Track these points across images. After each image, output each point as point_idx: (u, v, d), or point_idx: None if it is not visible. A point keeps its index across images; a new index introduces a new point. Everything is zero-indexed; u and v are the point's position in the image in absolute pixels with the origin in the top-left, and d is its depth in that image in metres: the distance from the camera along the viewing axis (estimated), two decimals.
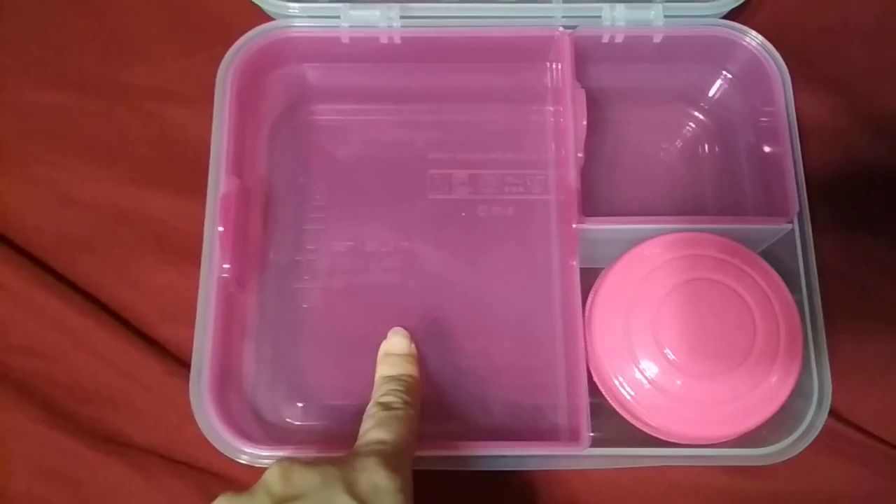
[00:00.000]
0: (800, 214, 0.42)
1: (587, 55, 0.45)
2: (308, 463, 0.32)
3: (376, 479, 0.32)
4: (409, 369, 0.39)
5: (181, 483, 0.41)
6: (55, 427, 0.42)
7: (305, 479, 0.31)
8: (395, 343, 0.40)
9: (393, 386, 0.37)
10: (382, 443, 0.34)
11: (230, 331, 0.40)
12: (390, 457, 0.33)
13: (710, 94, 0.48)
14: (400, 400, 0.37)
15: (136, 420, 0.42)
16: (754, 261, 0.39)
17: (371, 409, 0.36)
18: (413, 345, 0.40)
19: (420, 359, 0.40)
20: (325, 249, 0.44)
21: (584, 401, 0.38)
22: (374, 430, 0.35)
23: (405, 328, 0.40)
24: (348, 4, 0.44)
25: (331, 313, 0.43)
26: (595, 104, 0.43)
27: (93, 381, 0.43)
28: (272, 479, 0.31)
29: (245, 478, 0.40)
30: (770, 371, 0.37)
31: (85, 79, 0.48)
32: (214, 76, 0.43)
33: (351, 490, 0.31)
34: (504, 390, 0.42)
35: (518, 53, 0.46)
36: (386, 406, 0.36)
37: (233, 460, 0.38)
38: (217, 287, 0.40)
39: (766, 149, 0.45)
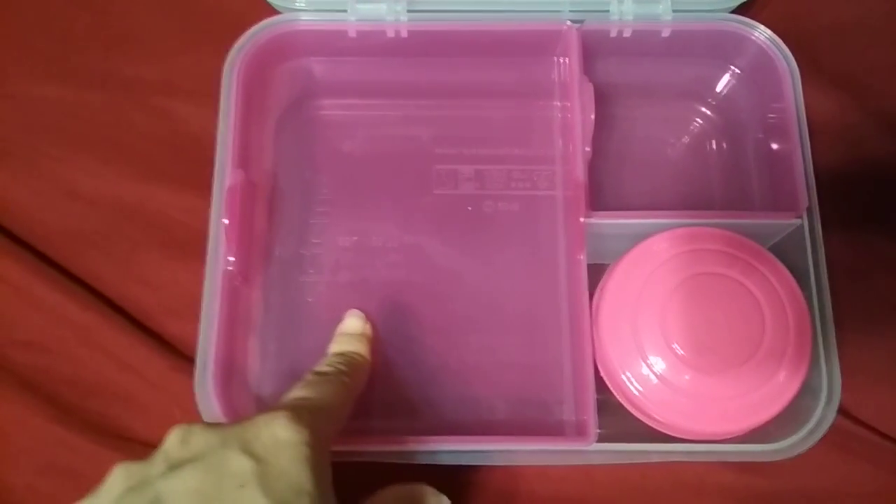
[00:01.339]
0: (809, 210, 0.41)
1: (595, 49, 0.45)
2: (211, 424, 0.30)
3: (277, 431, 0.29)
4: (358, 348, 0.38)
5: None
6: (59, 421, 0.41)
7: (204, 440, 0.29)
8: (350, 323, 0.40)
9: (335, 359, 0.37)
10: (300, 399, 0.33)
11: (235, 325, 0.40)
12: (303, 412, 0.30)
13: (718, 89, 0.48)
14: (335, 370, 0.36)
15: (140, 415, 0.42)
16: (763, 256, 0.39)
17: (304, 374, 0.35)
18: (369, 326, 0.40)
19: (377, 343, 0.40)
20: (330, 244, 0.44)
21: (590, 396, 0.38)
22: (296, 390, 0.34)
23: (411, 323, 0.40)
24: None
25: (336, 308, 0.43)
26: (602, 99, 0.43)
27: (97, 375, 0.43)
28: (171, 442, 0.29)
29: None
30: (779, 367, 0.37)
31: (90, 73, 0.48)
32: (220, 71, 0.43)
33: (247, 448, 0.28)
34: (510, 385, 0.42)
35: (525, 48, 0.46)
36: (319, 373, 0.35)
37: None
38: (222, 280, 0.39)
39: (775, 145, 0.44)
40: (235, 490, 0.27)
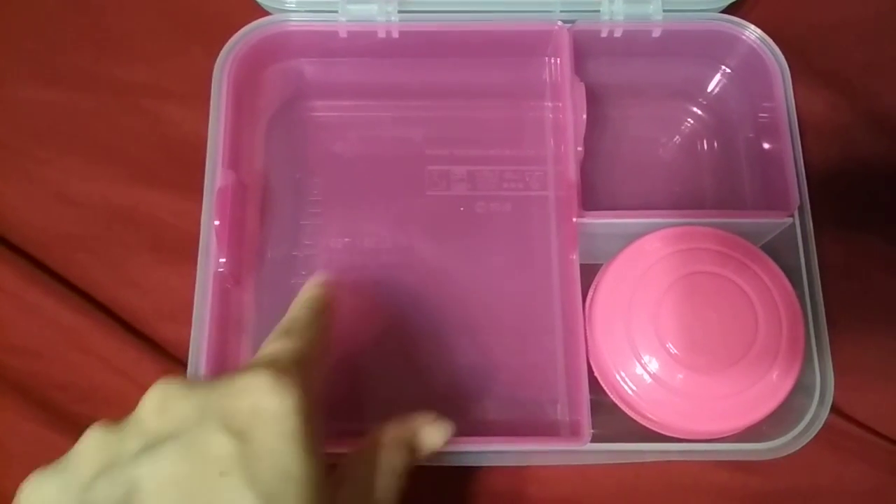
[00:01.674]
0: (800, 208, 0.42)
1: (586, 50, 0.45)
2: (192, 385, 0.27)
3: (261, 399, 0.26)
4: (321, 292, 0.35)
5: None
6: (51, 426, 0.41)
7: (182, 409, 0.26)
8: (315, 280, 0.37)
9: (304, 304, 0.34)
10: (280, 351, 0.29)
11: (226, 327, 0.40)
12: (288, 367, 0.28)
13: (709, 89, 0.48)
14: (309, 311, 0.33)
15: None
16: (755, 254, 0.39)
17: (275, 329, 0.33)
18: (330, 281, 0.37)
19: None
20: (322, 245, 0.44)
21: (584, 396, 0.38)
22: (273, 340, 0.31)
23: (404, 324, 0.40)
24: None
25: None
26: (593, 99, 0.43)
27: (89, 379, 0.42)
28: (149, 408, 0.26)
29: None
30: (772, 366, 0.37)
31: (80, 76, 0.48)
32: (211, 73, 0.43)
33: (229, 423, 0.25)
34: (503, 386, 0.42)
35: (516, 48, 0.46)
36: (293, 318, 0.33)
37: None
38: (213, 282, 0.39)
39: (766, 144, 0.44)
40: (216, 479, 0.25)
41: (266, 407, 0.26)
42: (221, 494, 0.25)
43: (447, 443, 0.34)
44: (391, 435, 0.33)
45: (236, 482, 0.25)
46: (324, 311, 0.35)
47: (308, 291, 0.36)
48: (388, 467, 0.32)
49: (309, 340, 0.31)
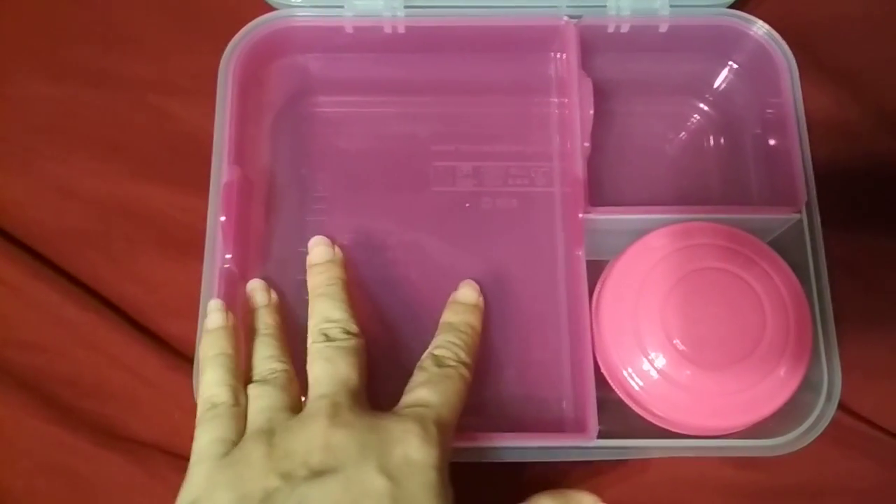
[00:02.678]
0: (807, 205, 0.41)
1: (592, 45, 0.45)
2: (351, 427, 0.32)
3: (409, 451, 0.31)
4: (472, 321, 0.39)
5: (183, 477, 0.41)
6: (57, 422, 0.41)
7: (345, 447, 0.31)
8: (464, 293, 0.40)
9: (451, 338, 0.37)
10: (426, 405, 0.34)
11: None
12: (429, 425, 0.32)
13: (716, 84, 0.48)
14: (454, 356, 0.37)
15: (139, 415, 0.42)
16: (763, 251, 0.39)
17: (424, 359, 0.37)
18: (482, 299, 0.40)
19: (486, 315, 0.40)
20: None
21: (591, 392, 0.38)
22: (420, 387, 0.35)
23: (409, 320, 0.40)
24: None
25: None
26: (600, 95, 0.43)
27: (94, 375, 0.42)
28: (314, 441, 0.31)
29: None
30: (779, 362, 0.37)
31: (86, 72, 0.48)
32: (217, 69, 0.43)
33: (383, 465, 0.30)
34: (509, 382, 0.42)
35: (523, 43, 0.46)
36: (438, 361, 0.36)
37: None
38: (219, 278, 0.39)
39: (773, 140, 0.44)
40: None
41: (413, 458, 0.31)
42: None
43: None
44: None
45: None
46: (471, 358, 0.37)
47: (459, 315, 0.39)
48: None
49: (450, 399, 0.35)
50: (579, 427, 0.39)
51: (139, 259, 0.44)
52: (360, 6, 0.44)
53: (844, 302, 0.41)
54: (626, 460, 0.41)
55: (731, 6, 0.45)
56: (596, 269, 0.41)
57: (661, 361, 0.37)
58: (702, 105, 0.48)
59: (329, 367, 0.35)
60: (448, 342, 0.37)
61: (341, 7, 0.44)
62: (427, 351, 0.37)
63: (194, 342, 0.39)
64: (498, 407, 0.41)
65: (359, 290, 0.43)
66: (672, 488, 0.41)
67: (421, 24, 0.44)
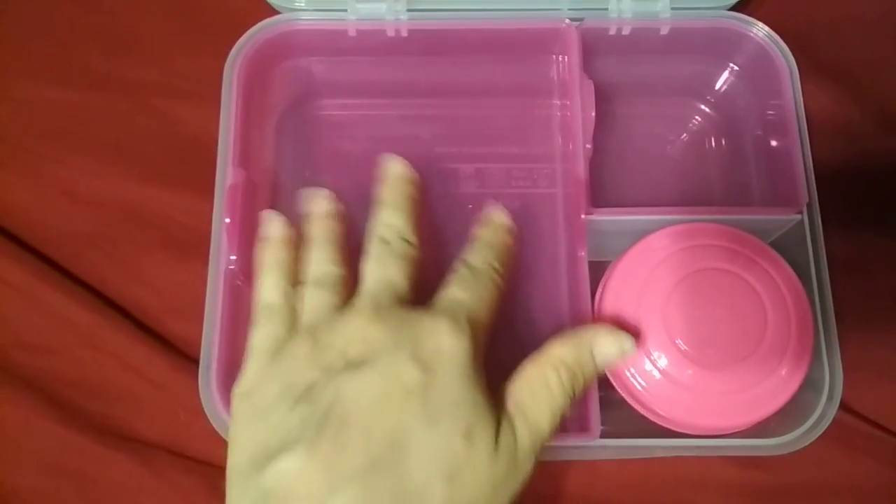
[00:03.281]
0: (809, 205, 0.42)
1: (594, 48, 0.45)
2: (394, 310, 0.34)
3: (441, 340, 0.32)
4: (507, 240, 0.39)
5: (190, 478, 0.41)
6: (63, 423, 0.41)
7: (381, 338, 0.32)
8: (499, 214, 0.40)
9: (487, 253, 0.38)
10: (457, 303, 0.35)
11: (238, 324, 0.40)
12: (462, 320, 0.34)
13: (717, 86, 0.48)
14: (488, 267, 0.37)
15: (145, 415, 0.42)
16: (764, 251, 0.39)
17: (456, 263, 0.37)
18: (514, 226, 0.40)
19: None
20: None
21: (593, 391, 0.38)
22: (452, 286, 0.36)
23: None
24: None
25: None
26: (601, 97, 0.43)
27: (100, 376, 0.43)
28: (353, 335, 0.33)
29: None
30: (781, 362, 0.37)
31: (91, 75, 0.48)
32: (221, 72, 0.43)
33: (416, 354, 0.32)
34: None
35: (525, 46, 0.46)
36: (470, 266, 0.37)
37: None
38: (224, 280, 0.40)
39: (774, 141, 0.44)
40: (402, 398, 0.31)
41: (444, 348, 0.32)
42: (403, 409, 0.31)
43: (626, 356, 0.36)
44: (558, 355, 0.35)
45: (416, 404, 0.31)
46: (504, 269, 0.38)
47: (493, 234, 0.39)
48: (555, 398, 0.34)
49: (482, 300, 0.36)
50: (582, 426, 0.39)
51: (144, 261, 0.44)
52: (363, 10, 0.44)
53: (846, 301, 0.41)
54: (629, 460, 0.41)
55: (732, 8, 0.45)
56: (598, 270, 0.41)
57: (663, 361, 0.37)
58: (703, 107, 0.48)
59: (378, 267, 0.36)
60: (483, 254, 0.38)
61: (344, 10, 0.44)
62: (460, 257, 0.38)
63: (199, 343, 0.39)
64: None
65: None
66: (674, 488, 0.41)
67: (423, 27, 0.44)
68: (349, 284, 0.37)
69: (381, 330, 0.33)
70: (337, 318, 0.34)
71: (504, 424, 0.32)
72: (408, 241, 0.38)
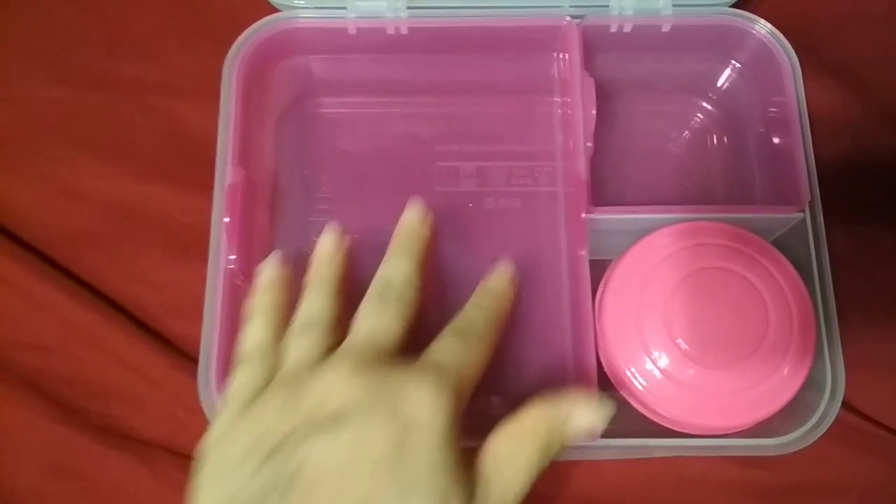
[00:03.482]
0: (811, 203, 0.41)
1: (595, 45, 0.45)
2: (380, 363, 0.32)
3: (424, 401, 0.31)
4: (510, 293, 0.39)
5: (189, 477, 0.41)
6: (62, 422, 0.41)
7: (360, 394, 0.31)
8: (506, 269, 0.40)
9: (489, 301, 0.37)
10: (448, 356, 0.34)
11: (237, 323, 0.40)
12: (449, 381, 0.32)
13: (719, 83, 0.48)
14: (486, 319, 0.36)
15: (144, 414, 0.42)
16: (766, 250, 0.39)
17: (459, 313, 0.37)
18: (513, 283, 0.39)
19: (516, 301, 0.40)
20: None
21: (594, 392, 0.38)
22: (447, 337, 0.35)
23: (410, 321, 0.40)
24: None
25: None
26: (602, 95, 0.43)
27: (99, 375, 0.42)
28: (333, 386, 0.31)
29: None
30: (783, 361, 0.37)
31: (90, 74, 0.48)
32: (220, 71, 0.43)
33: (394, 413, 0.30)
34: (512, 381, 0.42)
35: (525, 44, 0.46)
36: (470, 318, 0.36)
37: None
38: (224, 279, 0.39)
39: (776, 139, 0.44)
40: (373, 466, 0.29)
41: (425, 409, 0.31)
42: (374, 477, 0.29)
43: (600, 431, 0.34)
44: (535, 419, 0.33)
45: (388, 472, 0.29)
46: (499, 324, 0.37)
47: (499, 282, 0.39)
48: (530, 462, 0.32)
49: (472, 359, 0.34)
50: None
51: (143, 260, 0.44)
52: (363, 7, 0.44)
53: (848, 300, 0.41)
54: (630, 459, 0.41)
55: (734, 5, 0.45)
56: (599, 269, 0.41)
57: (664, 361, 0.37)
58: (705, 104, 0.48)
59: (375, 311, 0.35)
60: (485, 303, 0.37)
61: (344, 8, 0.44)
62: (461, 309, 0.37)
63: (199, 342, 0.39)
64: (499, 406, 0.41)
65: (362, 291, 0.43)
66: (676, 487, 0.41)
67: (424, 24, 0.44)
68: (343, 325, 0.36)
69: (361, 385, 0.31)
70: (319, 367, 0.33)
71: (478, 489, 0.31)
72: (411, 286, 0.37)
